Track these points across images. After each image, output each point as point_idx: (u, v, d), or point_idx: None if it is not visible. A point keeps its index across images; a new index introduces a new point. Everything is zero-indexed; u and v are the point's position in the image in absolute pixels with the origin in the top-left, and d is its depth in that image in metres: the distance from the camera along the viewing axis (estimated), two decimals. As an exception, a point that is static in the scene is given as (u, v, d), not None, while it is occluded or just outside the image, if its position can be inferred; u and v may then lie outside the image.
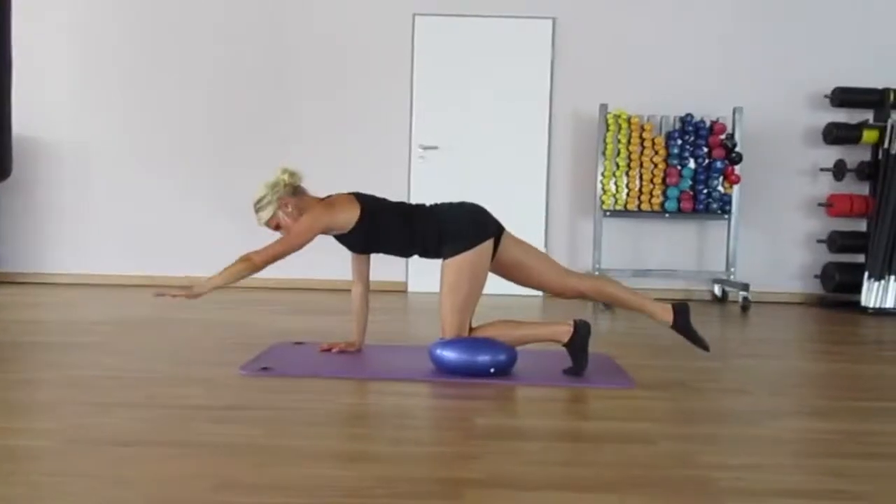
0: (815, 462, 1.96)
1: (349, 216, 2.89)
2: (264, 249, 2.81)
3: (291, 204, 2.92)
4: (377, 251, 3.03)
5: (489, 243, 2.89)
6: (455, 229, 2.89)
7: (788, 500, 1.68)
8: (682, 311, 2.88)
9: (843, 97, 5.63)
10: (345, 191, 3.05)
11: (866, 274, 5.32)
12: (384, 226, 2.93)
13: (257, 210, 2.94)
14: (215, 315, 4.27)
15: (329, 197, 2.98)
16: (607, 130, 5.52)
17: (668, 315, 2.88)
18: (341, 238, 2.99)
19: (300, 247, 2.86)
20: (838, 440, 2.15)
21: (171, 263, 5.83)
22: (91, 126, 5.84)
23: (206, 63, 5.83)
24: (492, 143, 5.82)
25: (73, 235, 5.86)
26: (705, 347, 2.90)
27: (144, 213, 5.84)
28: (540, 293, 5.82)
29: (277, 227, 2.96)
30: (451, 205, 3.00)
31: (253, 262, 2.76)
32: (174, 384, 2.60)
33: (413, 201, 5.65)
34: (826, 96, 5.73)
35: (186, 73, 5.84)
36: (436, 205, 3.02)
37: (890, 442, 2.15)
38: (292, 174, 2.96)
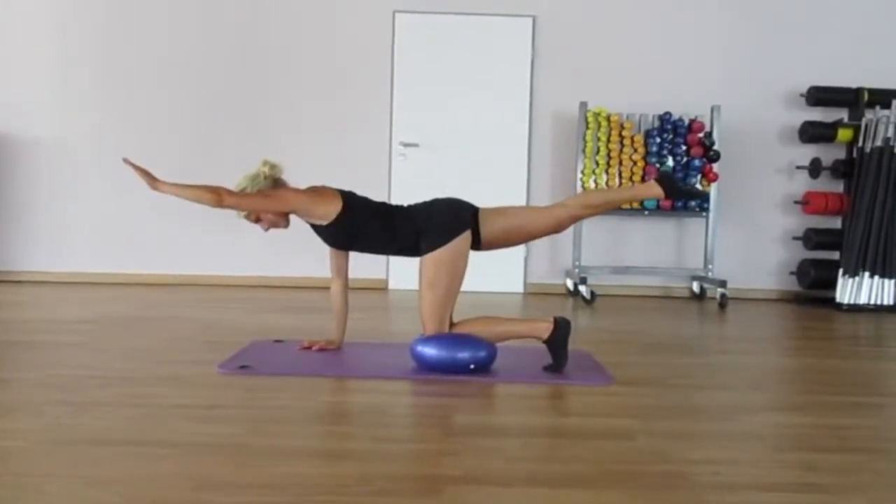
0: (790, 456, 1.99)
1: (329, 208, 2.88)
2: (238, 194, 2.81)
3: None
4: (355, 248, 3.02)
5: (466, 235, 2.89)
6: (431, 225, 2.89)
7: (765, 494, 1.70)
8: (667, 179, 2.97)
9: (819, 96, 5.70)
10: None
11: (841, 271, 5.39)
12: (364, 224, 2.92)
13: (237, 201, 2.93)
14: (194, 313, 4.24)
15: (313, 187, 2.97)
16: (587, 128, 5.55)
17: (657, 190, 2.96)
18: (320, 231, 2.98)
19: (270, 210, 2.86)
20: (813, 434, 2.19)
21: (150, 261, 5.79)
22: (68, 123, 5.78)
23: (186, 60, 5.79)
24: (472, 140, 5.82)
25: (50, 233, 5.80)
26: (700, 194, 3.18)
27: (123, 211, 5.79)
28: (521, 290, 5.84)
29: (257, 220, 2.95)
30: (425, 202, 3.01)
31: (220, 197, 2.73)
32: (153, 383, 2.58)
33: (394, 199, 5.67)
34: (802, 95, 5.80)
35: (166, 70, 5.79)
36: (412, 205, 3.03)
37: (863, 436, 2.19)
38: (273, 166, 2.95)
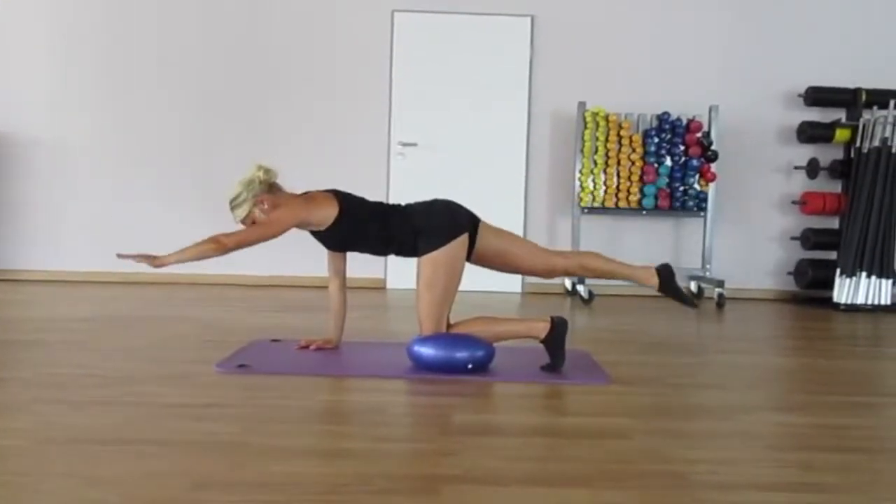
0: (788, 455, 1.99)
1: (326, 213, 2.88)
2: (235, 234, 2.79)
3: (267, 201, 2.91)
4: (353, 250, 3.03)
5: (464, 238, 2.90)
6: (429, 226, 2.89)
7: (762, 493, 1.70)
8: (665, 273, 2.97)
9: (817, 96, 5.70)
10: (323, 188, 3.05)
11: (838, 271, 5.40)
12: (361, 225, 2.92)
13: (233, 208, 2.92)
14: (191, 312, 4.24)
15: (307, 193, 2.97)
16: (585, 128, 5.56)
17: (653, 279, 2.96)
18: (317, 235, 2.98)
19: (271, 237, 2.84)
20: (811, 434, 2.19)
21: (147, 260, 5.77)
22: (66, 122, 5.77)
23: (184, 59, 5.78)
24: (471, 140, 5.82)
25: (48, 232, 5.79)
26: (693, 305, 3.06)
27: (120, 210, 5.78)
28: (518, 290, 5.84)
29: (253, 223, 2.94)
30: (423, 203, 3.01)
31: (221, 245, 2.73)
32: (150, 382, 2.58)
33: (392, 198, 5.67)
34: (800, 95, 5.80)
35: (163, 69, 5.78)
36: (409, 204, 3.03)
37: (860, 435, 2.19)
38: (267, 171, 2.94)
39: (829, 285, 5.49)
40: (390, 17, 5.79)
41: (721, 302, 5.30)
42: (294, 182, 3.07)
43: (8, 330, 3.54)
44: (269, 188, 2.93)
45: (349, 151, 5.81)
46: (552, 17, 5.82)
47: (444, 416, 2.27)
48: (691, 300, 3.03)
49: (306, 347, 3.16)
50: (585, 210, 5.58)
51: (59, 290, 5.20)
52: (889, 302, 5.31)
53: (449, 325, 2.92)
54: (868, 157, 5.37)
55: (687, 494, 1.68)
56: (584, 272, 3.02)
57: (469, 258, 2.98)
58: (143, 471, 1.73)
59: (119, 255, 2.75)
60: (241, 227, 2.96)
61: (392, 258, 5.60)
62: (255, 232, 2.82)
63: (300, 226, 2.90)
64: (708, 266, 5.68)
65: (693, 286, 5.86)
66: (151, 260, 2.70)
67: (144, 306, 4.43)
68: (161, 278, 5.73)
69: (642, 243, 5.91)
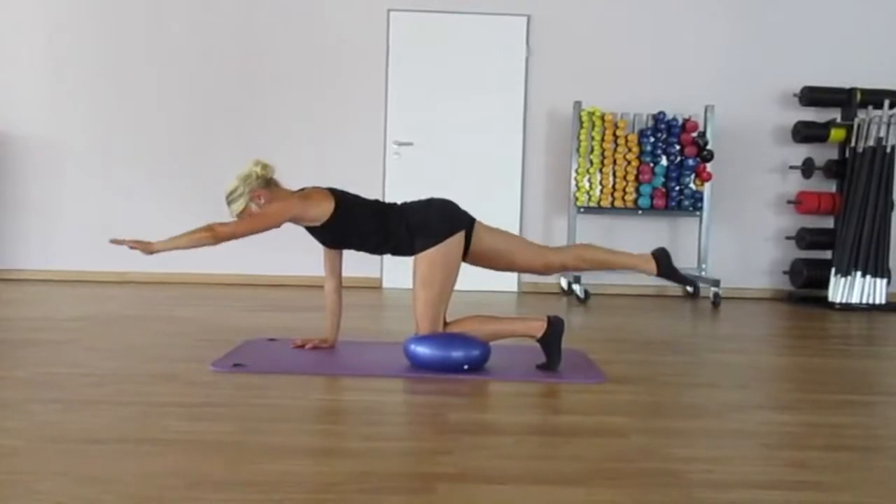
0: (782, 454, 2.00)
1: (322, 210, 2.88)
2: (230, 224, 2.80)
3: (264, 196, 2.91)
4: (349, 247, 3.03)
5: (460, 236, 2.90)
6: (425, 224, 2.90)
7: (756, 491, 1.71)
8: (663, 257, 2.97)
9: (812, 96, 5.72)
10: (320, 186, 3.04)
11: (833, 270, 5.41)
12: (357, 223, 2.93)
13: (229, 202, 2.93)
14: (187, 312, 4.23)
15: (304, 189, 2.97)
16: (581, 128, 5.56)
17: (651, 264, 2.96)
18: (313, 232, 2.98)
19: (265, 229, 2.85)
20: (805, 432, 2.20)
21: (141, 259, 5.76)
22: (63, 122, 5.76)
23: (179, 58, 5.77)
24: (467, 139, 5.83)
25: (43, 231, 5.78)
26: (693, 284, 3.11)
27: (115, 209, 5.77)
28: (515, 290, 5.84)
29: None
30: (419, 201, 3.01)
31: (215, 234, 2.73)
32: (145, 381, 2.57)
33: (388, 198, 5.67)
34: (795, 95, 5.82)
35: (159, 68, 5.77)
36: (405, 203, 3.03)
37: (853, 434, 2.20)
38: (265, 166, 2.95)
39: (825, 284, 5.51)
40: (386, 16, 5.79)
41: (717, 301, 5.31)
42: (289, 181, 3.08)
43: (3, 329, 3.54)
44: (265, 183, 2.94)
45: (345, 151, 5.81)
46: (548, 17, 5.82)
47: (439, 415, 2.27)
48: (691, 280, 3.04)
49: (302, 347, 3.16)
50: (581, 209, 5.59)
51: (55, 289, 5.19)
52: (884, 301, 5.33)
53: (445, 324, 2.92)
54: (863, 157, 5.38)
55: (682, 493, 1.68)
56: (581, 264, 3.02)
57: (465, 258, 2.99)
58: (137, 470, 1.73)
59: (112, 241, 2.76)
60: (242, 237, 2.97)
61: (388, 258, 5.63)
62: (249, 223, 2.82)
63: (296, 221, 2.90)
64: (704, 265, 5.69)
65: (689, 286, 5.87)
66: (144, 246, 2.70)
67: (140, 306, 4.42)
68: (158, 278, 5.72)
69: (638, 243, 5.90)
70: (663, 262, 2.97)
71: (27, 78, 5.74)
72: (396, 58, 5.79)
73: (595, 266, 3.02)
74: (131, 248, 2.71)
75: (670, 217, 5.88)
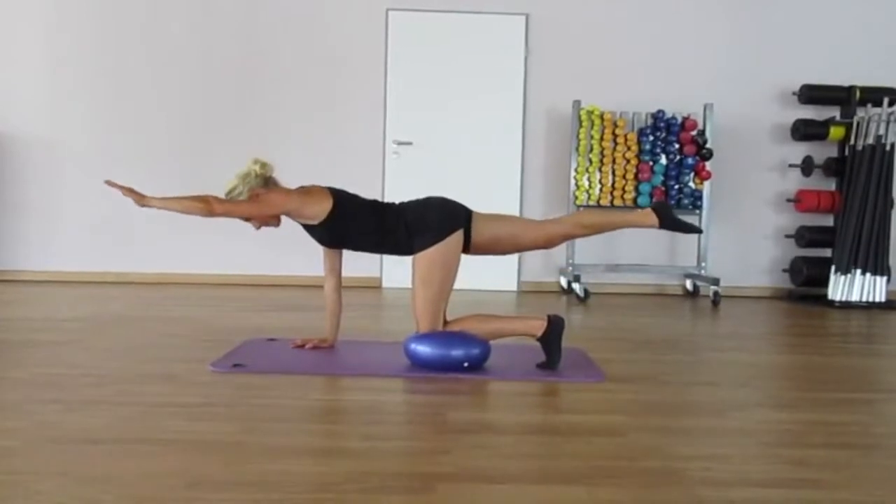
0: (782, 452, 2.00)
1: (320, 208, 2.89)
2: (227, 202, 2.81)
3: (262, 194, 2.91)
4: (348, 247, 3.03)
5: (459, 234, 2.90)
6: (423, 223, 2.90)
7: (756, 490, 1.71)
8: (662, 210, 2.94)
9: (811, 94, 5.72)
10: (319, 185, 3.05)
11: (833, 268, 5.42)
12: (356, 222, 2.93)
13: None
14: (186, 312, 4.23)
15: (303, 187, 2.97)
16: (580, 126, 5.56)
17: (652, 218, 2.93)
18: (312, 231, 2.98)
19: (258, 215, 2.86)
20: (805, 430, 2.20)
21: (142, 260, 5.77)
22: (62, 122, 5.76)
23: (178, 58, 5.77)
24: (466, 139, 5.83)
25: (43, 232, 5.78)
26: (697, 230, 3.04)
27: (113, 210, 5.77)
28: (514, 289, 5.84)
29: (248, 219, 2.95)
30: (417, 201, 3.01)
31: (209, 206, 2.73)
32: (145, 381, 2.57)
33: (387, 197, 5.67)
34: (794, 93, 5.81)
35: (157, 68, 5.77)
36: (403, 202, 3.03)
37: (852, 431, 2.20)
38: (264, 165, 2.95)
39: (824, 282, 5.51)
40: (385, 15, 5.78)
41: (716, 300, 5.31)
42: (289, 181, 3.08)
43: (3, 329, 3.54)
44: (265, 182, 2.94)
45: (344, 150, 5.81)
46: (547, 16, 5.82)
47: (439, 415, 2.27)
48: (695, 228, 3.01)
49: (302, 346, 3.16)
50: (581, 208, 5.59)
51: (55, 290, 5.19)
52: (883, 299, 5.33)
53: (445, 323, 2.93)
54: (862, 155, 5.38)
55: (682, 491, 1.68)
56: (583, 230, 3.01)
57: (467, 251, 2.98)
58: (137, 470, 1.73)
59: (107, 182, 2.78)
60: (235, 221, 2.99)
61: (387, 257, 5.63)
62: (245, 206, 2.83)
63: (293, 216, 2.90)
64: (703, 264, 5.69)
65: (689, 284, 5.87)
66: (138, 196, 2.71)
67: (139, 306, 4.42)
68: (158, 278, 5.73)
69: (638, 241, 5.92)
70: (664, 213, 2.93)
71: (27, 78, 5.74)
72: (395, 57, 5.79)
73: (596, 230, 3.02)
74: (124, 194, 2.71)
75: (670, 215, 5.86)
